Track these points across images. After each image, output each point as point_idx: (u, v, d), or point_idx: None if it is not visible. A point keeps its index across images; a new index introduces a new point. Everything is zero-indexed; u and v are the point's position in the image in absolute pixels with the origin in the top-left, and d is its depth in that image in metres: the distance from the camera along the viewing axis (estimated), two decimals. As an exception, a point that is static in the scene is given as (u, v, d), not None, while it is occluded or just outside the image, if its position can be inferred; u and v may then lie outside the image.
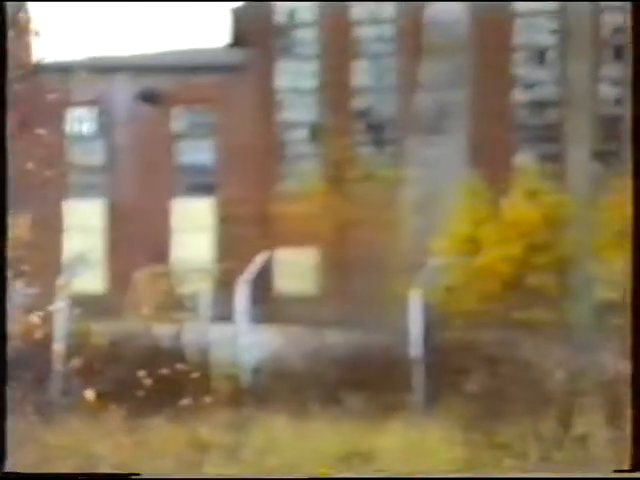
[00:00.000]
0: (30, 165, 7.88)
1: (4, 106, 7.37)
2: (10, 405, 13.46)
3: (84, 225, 32.97)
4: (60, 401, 15.99)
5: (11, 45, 7.48)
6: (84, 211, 33.28)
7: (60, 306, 17.15)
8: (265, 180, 32.37)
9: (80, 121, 33.52)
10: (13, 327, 7.75)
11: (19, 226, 7.61)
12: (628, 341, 8.50)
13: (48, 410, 15.18)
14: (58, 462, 11.98)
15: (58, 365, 17.17)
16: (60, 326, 17.46)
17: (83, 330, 18.25)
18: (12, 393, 13.21)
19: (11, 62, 7.45)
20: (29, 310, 8.02)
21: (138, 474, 7.63)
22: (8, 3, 7.58)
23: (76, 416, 14.09)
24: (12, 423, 13.47)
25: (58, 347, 17.26)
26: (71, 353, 16.76)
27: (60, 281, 18.33)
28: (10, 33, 7.47)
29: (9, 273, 7.64)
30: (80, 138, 33.44)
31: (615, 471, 10.08)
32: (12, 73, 7.50)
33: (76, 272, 24.68)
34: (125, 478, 7.61)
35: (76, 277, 21.03)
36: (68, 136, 32.38)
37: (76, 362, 15.25)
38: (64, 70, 29.79)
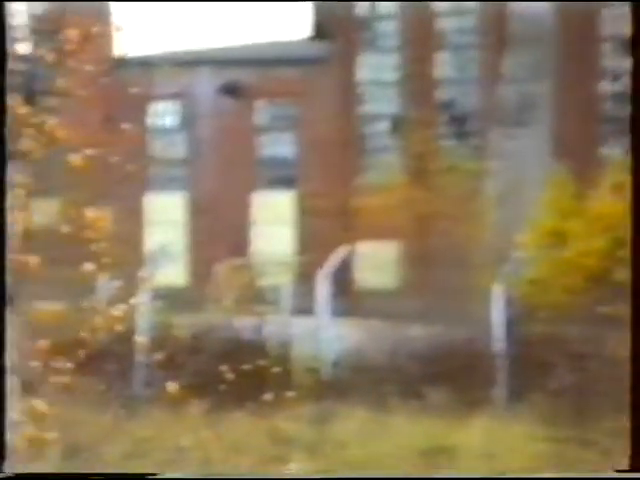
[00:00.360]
0: (113, 159, 7.88)
1: (4, 105, 7.40)
2: (94, 397, 13.58)
3: (166, 218, 33.22)
4: (143, 393, 16.12)
5: (95, 40, 7.50)
6: (166, 204, 33.53)
7: (142, 299, 17.26)
8: (346, 173, 32.29)
9: (162, 114, 33.78)
10: (97, 320, 7.77)
11: (102, 219, 7.61)
12: None
13: (132, 402, 15.31)
14: (144, 455, 12.05)
15: (141, 357, 17.30)
16: (143, 319, 17.58)
17: (165, 323, 18.37)
18: (96, 385, 13.33)
19: (95, 57, 7.47)
20: (112, 303, 8.03)
21: (154, 474, 7.60)
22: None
23: (159, 409, 14.18)
24: (96, 415, 13.60)
25: (141, 340, 17.38)
26: (154, 346, 16.88)
27: (142, 274, 18.45)
28: (95, 28, 7.49)
29: (92, 266, 7.65)
30: (162, 131, 33.69)
31: (616, 471, 9.89)
32: (96, 68, 7.52)
33: (158, 265, 24.87)
34: (140, 478, 7.60)
35: (158, 270, 21.18)
36: (150, 129, 32.65)
37: (158, 355, 15.34)
38: (147, 64, 30.04)
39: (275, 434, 13.58)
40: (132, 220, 28.31)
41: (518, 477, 11.68)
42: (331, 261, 20.34)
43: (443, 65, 32.91)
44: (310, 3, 35.07)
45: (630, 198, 7.57)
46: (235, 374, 14.16)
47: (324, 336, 19.02)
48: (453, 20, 32.83)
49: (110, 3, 25.22)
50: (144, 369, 17.07)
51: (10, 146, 7.27)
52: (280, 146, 33.66)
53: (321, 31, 33.35)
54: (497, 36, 30.87)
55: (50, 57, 7.40)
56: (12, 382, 7.25)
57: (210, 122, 33.24)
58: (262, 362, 15.10)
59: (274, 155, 33.63)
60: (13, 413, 7.21)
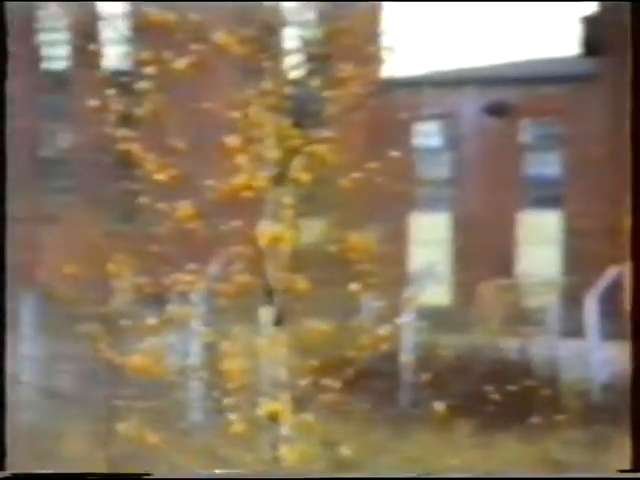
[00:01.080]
0: (379, 179, 7.97)
1: (3, 106, 7.52)
2: (361, 415, 13.75)
3: (431, 238, 33.31)
4: (409, 413, 16.18)
5: (367, 64, 7.62)
6: (431, 224, 33.63)
7: (407, 319, 17.35)
8: (615, 192, 31.41)
9: (427, 135, 33.94)
10: (363, 339, 7.86)
11: (367, 241, 7.71)
12: None
13: (398, 421, 15.40)
14: (407, 473, 12.09)
15: (407, 377, 17.39)
16: (407, 339, 17.67)
17: (430, 343, 18.39)
18: (362, 403, 13.50)
19: (365, 81, 7.58)
20: (377, 322, 8.11)
21: (149, 474, 7.57)
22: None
23: (425, 428, 14.20)
24: (363, 433, 13.75)
25: (406, 359, 17.47)
26: (419, 365, 16.93)
27: (407, 294, 18.55)
28: (368, 52, 7.61)
29: (357, 285, 7.75)
30: (427, 152, 33.84)
31: (618, 471, 9.06)
32: (365, 91, 7.63)
33: (423, 285, 24.94)
34: (137, 478, 7.56)
35: (423, 290, 21.23)
36: (415, 150, 32.87)
37: (424, 375, 15.36)
38: (413, 85, 30.30)
39: (545, 458, 13.32)
40: (397, 240, 28.56)
41: (518, 477, 10.99)
42: (600, 282, 19.81)
43: None
44: (579, 18, 34.37)
45: (630, 198, 7.23)
46: (501, 395, 14.00)
47: (593, 359, 18.52)
48: None
49: (382, 23, 25.61)
50: (410, 388, 17.15)
51: (281, 170, 7.48)
52: (546, 165, 33.15)
53: (592, 46, 32.59)
54: None
55: (320, 82, 7.56)
56: (283, 398, 7.42)
57: (475, 142, 33.14)
58: (529, 384, 14.87)
59: (540, 174, 33.15)
60: (284, 428, 7.38)
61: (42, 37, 38.25)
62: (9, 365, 16.41)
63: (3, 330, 7.84)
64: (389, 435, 14.38)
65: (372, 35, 7.86)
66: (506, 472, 12.43)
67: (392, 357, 16.07)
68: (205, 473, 8.01)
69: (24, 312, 16.21)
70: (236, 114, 7.47)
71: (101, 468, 11.90)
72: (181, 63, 7.35)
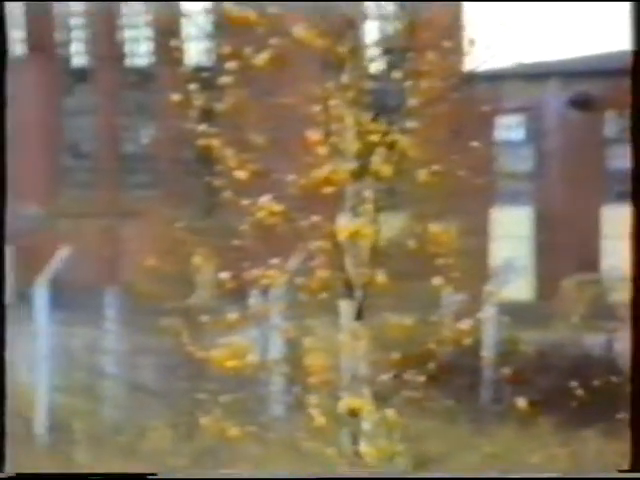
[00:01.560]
0: (460, 173, 7.91)
1: (3, 104, 7.50)
2: (442, 410, 13.66)
3: (512, 232, 33.04)
4: (491, 409, 16.06)
5: (447, 57, 7.57)
6: (512, 218, 33.36)
7: (489, 313, 17.19)
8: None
9: (509, 128, 33.66)
10: (444, 333, 7.81)
11: (447, 234, 7.66)
12: None
13: (480, 417, 15.28)
14: (492, 469, 12.01)
15: (488, 372, 17.25)
16: (489, 333, 17.51)
17: (512, 338, 18.23)
18: (444, 398, 13.42)
19: (446, 74, 7.53)
20: (458, 317, 8.05)
21: (154, 474, 7.50)
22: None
23: (507, 424, 14.07)
24: (445, 428, 13.69)
25: (487, 354, 17.32)
26: (500, 361, 16.78)
27: (488, 288, 18.39)
28: (447, 45, 7.56)
29: (438, 280, 7.70)
30: (509, 145, 33.55)
31: (618, 471, 8.75)
32: (446, 84, 7.58)
33: (504, 279, 24.74)
34: (141, 478, 7.50)
35: (504, 284, 21.03)
36: (497, 143, 32.62)
37: (505, 370, 15.24)
38: (495, 78, 30.04)
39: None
40: (479, 234, 28.37)
41: (518, 477, 10.72)
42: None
43: None
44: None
45: (631, 202, 7.11)
46: (585, 391, 13.82)
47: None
48: None
49: (464, 16, 25.44)
50: (491, 384, 17.01)
51: (361, 164, 7.45)
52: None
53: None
54: None
55: (401, 75, 7.53)
56: (364, 393, 7.40)
57: (558, 135, 32.77)
58: (613, 380, 14.66)
59: (625, 168, 32.66)
60: (365, 423, 7.37)
61: (125, 34, 38.68)
62: (93, 359, 16.62)
63: (3, 329, 7.87)
64: (470, 431, 14.27)
65: (453, 28, 7.79)
66: (589, 470, 12.31)
67: (473, 352, 15.93)
68: (209, 473, 8.03)
69: (107, 306, 16.39)
70: (316, 108, 7.46)
71: (184, 461, 11.99)
72: (261, 58, 7.36)
